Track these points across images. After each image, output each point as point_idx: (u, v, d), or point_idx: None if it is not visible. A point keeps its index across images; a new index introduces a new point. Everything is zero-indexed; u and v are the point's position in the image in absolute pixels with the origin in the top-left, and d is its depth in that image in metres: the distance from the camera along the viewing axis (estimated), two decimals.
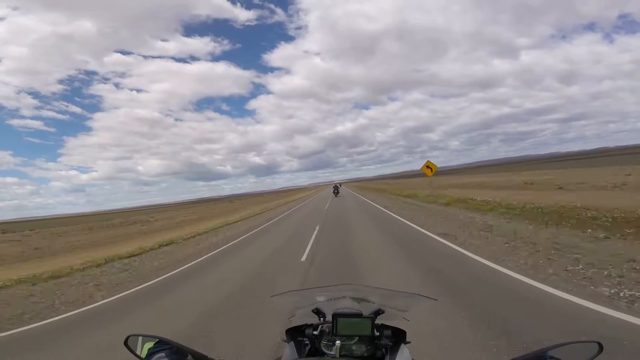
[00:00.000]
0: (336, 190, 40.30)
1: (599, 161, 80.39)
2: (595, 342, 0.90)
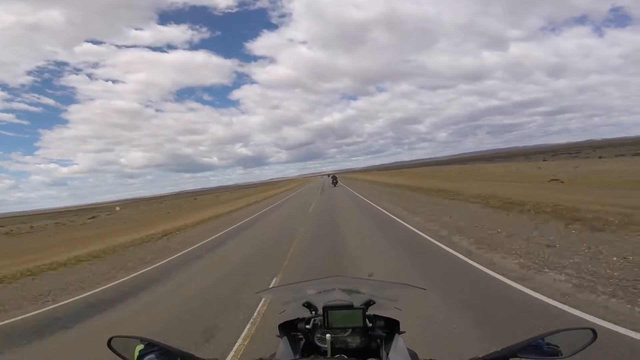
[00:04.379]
0: (334, 180, 45.09)
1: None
2: (589, 328, 0.90)
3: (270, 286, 5.25)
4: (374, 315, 1.18)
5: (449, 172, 53.48)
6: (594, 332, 0.89)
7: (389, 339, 1.13)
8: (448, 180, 31.53)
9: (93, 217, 50.63)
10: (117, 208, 77.59)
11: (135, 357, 0.95)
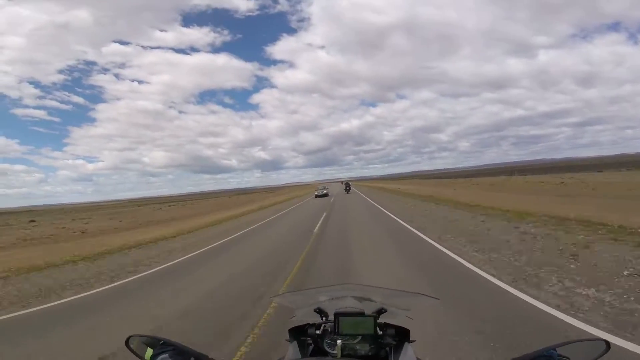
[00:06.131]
0: (347, 187, 42.99)
1: None
2: (602, 340, 0.89)
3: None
4: (385, 323, 1.17)
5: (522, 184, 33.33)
6: (607, 343, 0.87)
7: (398, 348, 1.12)
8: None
9: None
10: None
11: (149, 356, 0.96)
